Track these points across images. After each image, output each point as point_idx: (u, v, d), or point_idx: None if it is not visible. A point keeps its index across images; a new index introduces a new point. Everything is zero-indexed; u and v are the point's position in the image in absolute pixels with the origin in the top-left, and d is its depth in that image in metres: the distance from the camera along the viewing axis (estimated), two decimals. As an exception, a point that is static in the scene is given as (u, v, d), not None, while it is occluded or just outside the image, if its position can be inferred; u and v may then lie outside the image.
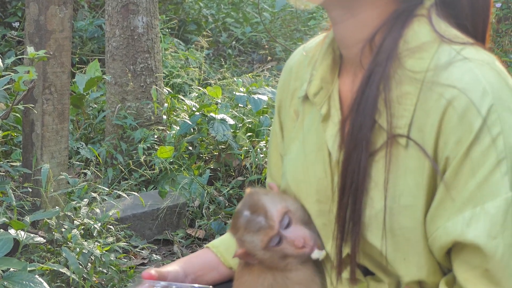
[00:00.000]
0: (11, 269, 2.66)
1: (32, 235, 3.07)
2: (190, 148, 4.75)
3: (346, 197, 1.32)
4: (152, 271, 1.49)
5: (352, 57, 1.39)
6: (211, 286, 1.47)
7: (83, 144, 4.57)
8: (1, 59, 3.22)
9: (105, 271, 3.30)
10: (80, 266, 3.09)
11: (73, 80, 5.00)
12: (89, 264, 3.24)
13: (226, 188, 4.32)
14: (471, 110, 1.19)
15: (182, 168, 4.44)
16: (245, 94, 4.87)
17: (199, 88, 5.69)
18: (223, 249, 1.68)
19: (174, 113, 5.20)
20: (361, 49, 1.34)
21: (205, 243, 3.94)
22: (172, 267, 1.57)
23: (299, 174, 1.47)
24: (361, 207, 1.31)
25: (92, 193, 3.71)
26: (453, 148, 1.21)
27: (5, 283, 2.53)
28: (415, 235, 1.29)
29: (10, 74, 2.90)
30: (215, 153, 4.70)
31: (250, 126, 4.79)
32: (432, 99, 1.23)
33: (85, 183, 3.76)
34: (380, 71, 1.28)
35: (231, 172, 4.56)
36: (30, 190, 3.52)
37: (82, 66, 6.08)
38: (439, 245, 1.25)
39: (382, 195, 1.29)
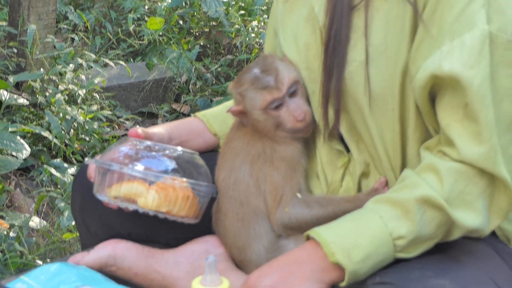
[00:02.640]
0: (-8, 128, 2.64)
1: (15, 96, 3.04)
2: (181, 22, 4.65)
3: (331, 49, 1.33)
4: (139, 130, 1.47)
5: None
6: (197, 152, 1.46)
7: (72, 8, 4.46)
8: None
9: (87, 138, 3.29)
10: (63, 132, 3.07)
11: None
12: (71, 130, 3.22)
13: (215, 66, 4.27)
14: None
15: (172, 41, 4.36)
16: (241, -29, 4.74)
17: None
18: (210, 116, 1.67)
19: (167, -15, 5.07)
20: None
21: (189, 119, 3.94)
22: (158, 129, 1.55)
23: (291, 45, 1.46)
24: (345, 59, 1.32)
25: (79, 59, 3.65)
26: None
27: (-14, 141, 2.52)
28: (394, 88, 1.30)
29: None
30: (206, 30, 4.62)
31: (243, 4, 4.69)
32: None
33: (72, 48, 3.69)
34: None
35: (221, 50, 4.50)
36: (15, 50, 3.46)
37: None
38: (419, 85, 1.25)
39: (364, 45, 1.30)
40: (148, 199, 1.34)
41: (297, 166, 1.44)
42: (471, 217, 1.22)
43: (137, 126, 1.54)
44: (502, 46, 1.21)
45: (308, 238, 1.29)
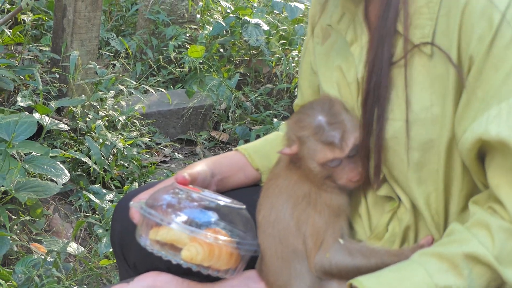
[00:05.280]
0: (33, 153, 2.66)
1: (56, 121, 3.05)
2: (221, 50, 4.67)
3: (369, 105, 1.31)
4: (186, 174, 1.45)
5: None
6: (244, 206, 1.44)
7: (114, 35, 4.51)
8: None
9: (126, 164, 3.30)
10: (102, 157, 3.08)
11: (109, -31, 4.90)
12: (111, 156, 3.23)
13: (254, 94, 4.26)
14: (489, 7, 1.18)
15: (212, 69, 4.37)
16: (282, 1, 4.75)
17: (236, -10, 5.56)
18: (252, 151, 1.65)
19: (208, 13, 5.09)
20: None
21: (228, 147, 3.93)
22: (201, 167, 1.54)
23: (331, 89, 1.44)
24: (384, 116, 1.30)
25: (120, 86, 3.67)
26: (476, 45, 1.20)
27: (26, 166, 2.53)
28: (440, 148, 1.28)
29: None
30: (246, 58, 4.62)
31: (283, 34, 4.69)
32: (452, 2, 1.22)
33: (113, 74, 3.72)
34: None
35: (261, 78, 4.50)
36: (58, 76, 3.49)
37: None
38: (466, 147, 1.23)
39: (404, 103, 1.28)
40: (192, 252, 1.32)
41: (341, 213, 1.41)
42: None
43: (183, 171, 1.52)
44: None
45: (351, 286, 1.26)
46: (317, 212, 1.39)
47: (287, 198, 1.41)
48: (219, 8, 5.13)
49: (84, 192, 2.91)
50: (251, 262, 1.47)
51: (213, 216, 1.39)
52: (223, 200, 1.40)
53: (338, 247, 1.37)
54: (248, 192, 1.58)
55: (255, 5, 5.03)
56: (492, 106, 1.19)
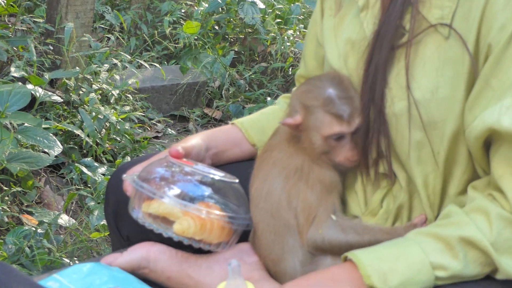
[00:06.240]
0: (26, 124, 2.64)
1: (49, 93, 3.04)
2: (217, 27, 4.65)
3: (372, 83, 1.29)
4: (179, 147, 1.44)
5: None
6: (237, 180, 1.43)
7: (109, 8, 4.48)
8: None
9: (118, 139, 3.29)
10: (95, 131, 3.07)
11: None
12: (103, 129, 3.22)
13: (248, 72, 4.25)
14: None
15: (207, 46, 4.35)
16: (279, -21, 4.73)
17: (232, -33, 5.53)
18: (248, 126, 1.63)
19: (204, -10, 5.07)
20: None
21: (221, 125, 3.91)
22: (196, 141, 1.52)
23: (338, 63, 1.42)
24: (384, 94, 1.28)
25: (114, 59, 3.65)
26: (496, 34, 1.18)
27: (19, 136, 2.52)
28: (445, 131, 1.27)
29: None
30: (241, 36, 4.61)
31: (279, 13, 4.67)
32: None
33: (107, 48, 3.69)
34: None
35: (255, 57, 4.48)
36: (52, 48, 3.47)
37: None
38: (474, 135, 1.22)
39: (405, 82, 1.27)
40: (184, 225, 1.32)
41: (333, 189, 1.40)
42: None
43: (177, 144, 1.50)
44: None
45: (346, 259, 1.26)
46: (309, 187, 1.38)
47: (280, 171, 1.41)
48: (215, -15, 5.10)
49: (76, 164, 2.90)
50: (245, 235, 1.47)
51: (206, 190, 1.38)
52: (216, 174, 1.39)
53: (331, 223, 1.37)
54: (243, 166, 1.57)
55: (252, -17, 5.00)
56: (506, 97, 1.18)
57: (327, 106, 1.32)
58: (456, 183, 1.32)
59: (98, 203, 2.66)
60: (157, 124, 3.81)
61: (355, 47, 1.38)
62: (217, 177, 1.39)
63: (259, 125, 1.64)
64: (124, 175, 1.42)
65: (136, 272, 1.40)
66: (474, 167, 1.31)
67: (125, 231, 1.56)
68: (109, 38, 4.04)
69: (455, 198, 1.32)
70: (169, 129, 3.79)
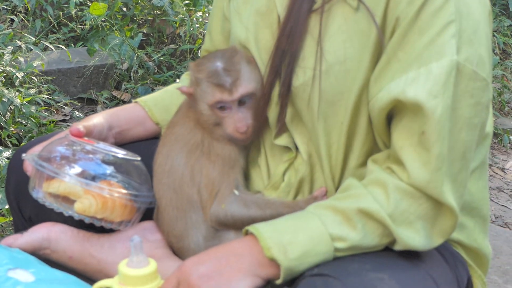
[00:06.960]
0: None
1: (-50, 75, 2.94)
2: (124, 9, 4.59)
3: (280, 51, 1.32)
4: (80, 126, 1.44)
5: None
6: (139, 158, 1.44)
7: (12, -11, 4.36)
8: None
9: (24, 122, 3.22)
10: (-1, 114, 3.00)
11: None
12: (8, 113, 3.15)
13: (157, 54, 4.22)
14: None
15: (114, 28, 4.30)
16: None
17: None
18: (152, 104, 1.63)
19: (111, -29, 4.99)
20: None
21: (129, 107, 3.88)
22: (97, 120, 1.52)
23: (242, 34, 1.44)
24: (295, 63, 1.31)
25: (18, 41, 3.57)
26: (404, 8, 1.21)
27: None
28: (349, 101, 1.30)
29: None
30: (150, 18, 4.56)
31: (187, -6, 4.66)
32: None
33: (11, 30, 3.60)
34: None
35: (164, 38, 4.46)
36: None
37: None
38: (379, 106, 1.25)
39: (315, 52, 1.29)
40: (85, 204, 1.32)
41: (235, 164, 1.43)
42: (412, 236, 1.23)
43: (78, 123, 1.49)
44: (467, 76, 1.22)
45: (247, 233, 1.28)
46: (211, 162, 1.41)
47: (182, 146, 1.43)
48: (123, -34, 5.03)
49: (-21, 148, 2.83)
50: (149, 214, 1.48)
51: (108, 168, 1.39)
52: (118, 152, 1.40)
53: (233, 198, 1.40)
54: (147, 144, 1.58)
55: (160, -36, 4.95)
56: (412, 69, 1.21)
57: (211, 78, 1.37)
58: (356, 155, 1.35)
59: (3, 187, 2.61)
60: (64, 107, 3.75)
61: (264, 19, 1.40)
62: (119, 155, 1.39)
63: (162, 103, 1.64)
64: (24, 155, 1.40)
65: (37, 253, 1.39)
66: (373, 139, 1.34)
67: (27, 212, 1.55)
68: (13, 20, 3.93)
69: (355, 171, 1.36)
70: (77, 112, 3.73)
